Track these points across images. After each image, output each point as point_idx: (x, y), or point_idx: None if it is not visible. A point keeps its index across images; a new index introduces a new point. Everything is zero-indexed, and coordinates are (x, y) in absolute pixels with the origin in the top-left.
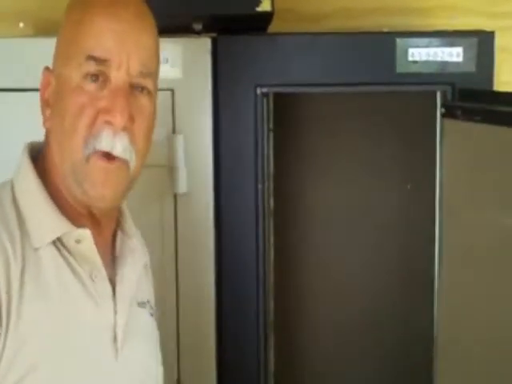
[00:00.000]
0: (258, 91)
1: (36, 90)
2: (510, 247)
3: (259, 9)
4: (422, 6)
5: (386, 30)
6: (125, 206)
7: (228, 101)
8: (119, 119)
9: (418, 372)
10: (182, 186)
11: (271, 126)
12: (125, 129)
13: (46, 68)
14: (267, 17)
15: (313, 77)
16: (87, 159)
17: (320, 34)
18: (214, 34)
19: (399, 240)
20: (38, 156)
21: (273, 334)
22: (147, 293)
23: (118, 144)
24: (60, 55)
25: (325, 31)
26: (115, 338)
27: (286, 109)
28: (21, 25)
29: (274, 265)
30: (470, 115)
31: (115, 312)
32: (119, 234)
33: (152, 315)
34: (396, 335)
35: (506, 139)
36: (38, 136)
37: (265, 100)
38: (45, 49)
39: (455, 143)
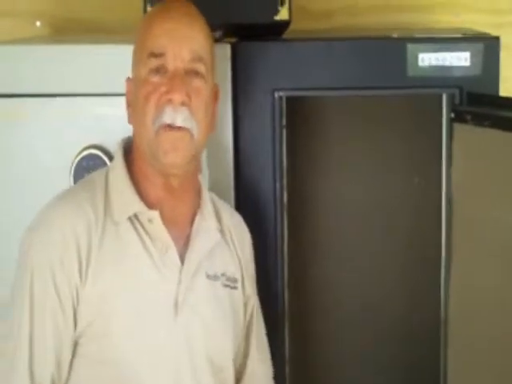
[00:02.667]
0: (276, 95)
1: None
2: None
3: (277, 17)
4: (426, 4)
5: (396, 35)
6: (205, 192)
7: (246, 104)
8: (177, 96)
9: (428, 359)
10: (205, 184)
11: (284, 123)
12: (183, 104)
13: (128, 78)
14: (285, 25)
15: (327, 81)
16: (156, 133)
17: (333, 40)
18: (233, 40)
19: (409, 229)
20: (130, 148)
21: (287, 323)
22: (222, 267)
23: (178, 116)
24: (134, 62)
25: (332, 28)
26: (176, 303)
27: (300, 110)
28: (37, 24)
29: (289, 258)
30: (479, 120)
31: (179, 281)
32: (198, 216)
33: (228, 286)
34: (407, 323)
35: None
36: (67, 139)
37: (281, 103)
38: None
39: (464, 147)
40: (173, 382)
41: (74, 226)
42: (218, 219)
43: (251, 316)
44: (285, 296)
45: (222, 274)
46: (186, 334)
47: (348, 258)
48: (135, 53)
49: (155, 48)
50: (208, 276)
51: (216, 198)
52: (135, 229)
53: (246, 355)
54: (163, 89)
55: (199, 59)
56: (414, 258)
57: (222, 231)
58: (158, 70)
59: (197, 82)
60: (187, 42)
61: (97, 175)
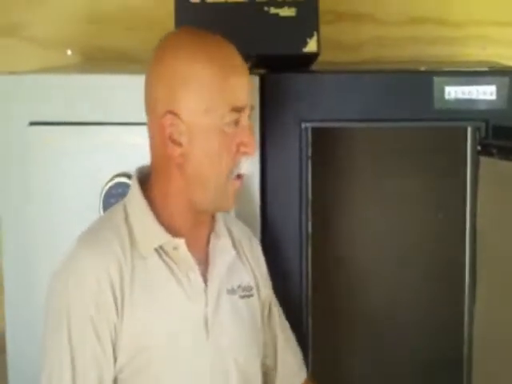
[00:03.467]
0: (303, 126)
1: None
2: None
3: (306, 50)
4: (453, 36)
5: (423, 68)
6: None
7: (274, 134)
8: (253, 149)
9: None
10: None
11: (310, 154)
12: None
13: (170, 111)
14: (313, 56)
15: (354, 113)
16: (229, 181)
17: (361, 73)
18: (262, 72)
19: (433, 262)
20: (145, 180)
21: (311, 333)
22: (238, 280)
23: (249, 167)
24: (192, 101)
25: (360, 60)
26: (206, 324)
27: (327, 141)
28: (68, 52)
29: (313, 288)
30: (505, 153)
31: (206, 303)
32: (212, 236)
33: (245, 296)
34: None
35: None
36: (99, 166)
37: (307, 134)
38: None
39: (489, 180)
40: None
41: (106, 269)
42: (229, 233)
43: (269, 310)
44: (309, 325)
45: (238, 286)
46: (217, 352)
47: (372, 288)
48: (204, 96)
49: (237, 102)
50: (227, 291)
51: (222, 214)
52: (161, 258)
53: (274, 349)
54: (238, 140)
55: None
56: (438, 290)
57: (234, 244)
58: (236, 123)
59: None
60: (250, 94)
61: (115, 211)
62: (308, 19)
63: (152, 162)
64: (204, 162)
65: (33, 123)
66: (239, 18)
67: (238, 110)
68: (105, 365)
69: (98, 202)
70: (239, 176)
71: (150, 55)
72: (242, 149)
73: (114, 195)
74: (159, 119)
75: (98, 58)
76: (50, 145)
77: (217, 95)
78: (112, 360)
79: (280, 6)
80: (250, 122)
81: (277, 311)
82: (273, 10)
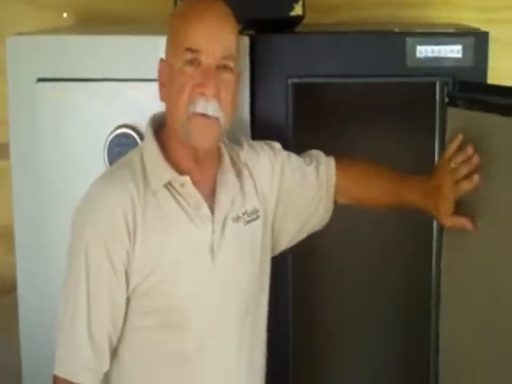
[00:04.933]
0: (289, 81)
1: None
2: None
3: (292, 13)
4: (424, 1)
5: (397, 29)
6: (224, 149)
7: (263, 89)
8: (209, 90)
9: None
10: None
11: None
12: (214, 96)
13: (161, 59)
14: (299, 19)
15: (334, 70)
16: (188, 119)
17: (341, 34)
18: (251, 33)
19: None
20: (160, 124)
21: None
22: (243, 207)
23: (209, 107)
24: (169, 49)
25: (337, 22)
26: (212, 249)
27: (310, 97)
28: (64, 15)
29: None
30: (469, 104)
31: (213, 231)
32: (219, 172)
33: (250, 221)
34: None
35: (499, 126)
36: (103, 119)
37: (293, 88)
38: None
39: (456, 128)
40: (216, 320)
41: (120, 202)
42: (234, 162)
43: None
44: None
45: (244, 213)
46: (223, 273)
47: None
48: (171, 41)
49: (192, 44)
50: (233, 219)
51: (231, 145)
52: (171, 194)
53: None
54: (196, 81)
55: (229, 56)
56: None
57: (239, 175)
58: (192, 63)
59: (226, 76)
60: (220, 41)
61: (132, 154)
62: None
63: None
64: (170, 98)
65: (40, 79)
66: None
67: (192, 51)
68: (117, 286)
69: (102, 151)
70: (200, 114)
71: (139, 16)
72: (197, 88)
73: (117, 144)
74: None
75: (92, 20)
76: (57, 99)
77: (176, 38)
78: (124, 282)
79: None
80: (212, 67)
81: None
82: None
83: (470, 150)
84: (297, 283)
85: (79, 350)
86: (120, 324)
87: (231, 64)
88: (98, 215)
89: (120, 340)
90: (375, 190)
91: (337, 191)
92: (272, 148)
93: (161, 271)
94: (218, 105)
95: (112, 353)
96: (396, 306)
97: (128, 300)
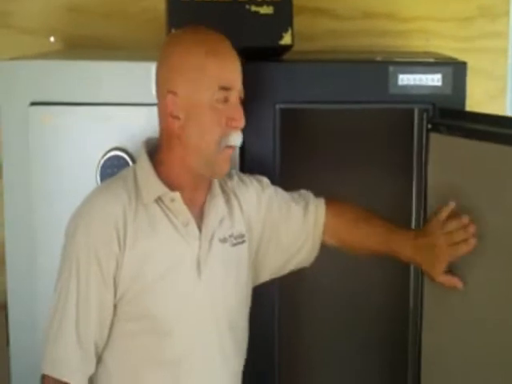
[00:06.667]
0: (277, 107)
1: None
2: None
3: (281, 42)
4: (401, 29)
5: (379, 58)
6: None
7: (253, 114)
8: (241, 123)
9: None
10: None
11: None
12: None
13: (170, 92)
14: (287, 48)
15: (320, 97)
16: (220, 151)
17: (326, 62)
18: (241, 60)
19: None
20: (153, 148)
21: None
22: (230, 230)
23: (240, 140)
24: (188, 84)
25: (317, 50)
26: (199, 263)
27: (296, 121)
28: (51, 39)
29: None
30: (451, 131)
31: (200, 247)
32: (209, 195)
33: (237, 244)
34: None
35: (479, 151)
36: (95, 142)
37: (280, 114)
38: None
39: (438, 152)
40: (197, 331)
41: (111, 209)
42: (223, 189)
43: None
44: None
45: (230, 235)
46: (207, 289)
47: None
48: (190, 77)
49: (227, 83)
50: (220, 240)
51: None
52: (161, 208)
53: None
54: (227, 115)
55: (243, 89)
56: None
57: (227, 201)
58: (224, 100)
59: (242, 107)
60: (240, 75)
61: (126, 171)
62: (284, 16)
63: (159, 134)
64: (197, 133)
65: (33, 103)
66: (224, 15)
67: (225, 88)
68: (105, 291)
69: (94, 173)
70: (230, 146)
71: (125, 42)
72: (231, 123)
73: (109, 166)
74: (163, 99)
75: (78, 45)
76: (49, 122)
77: (203, 75)
78: (112, 288)
79: (259, 4)
80: (238, 102)
81: (281, 195)
82: (253, 8)
83: (465, 219)
84: (282, 300)
85: (67, 349)
86: (107, 328)
87: (243, 95)
88: (90, 222)
89: (106, 345)
90: (364, 235)
91: (325, 232)
92: (260, 182)
93: (146, 280)
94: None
95: (98, 357)
96: (380, 323)
97: (115, 306)
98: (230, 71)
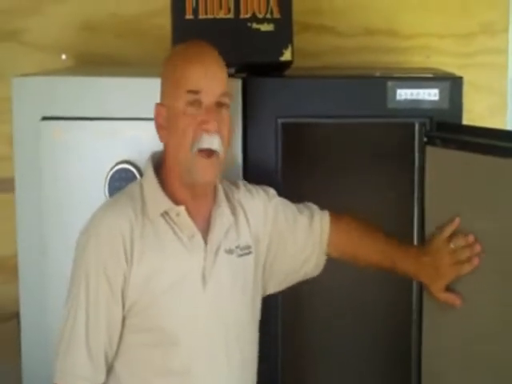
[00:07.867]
0: (279, 121)
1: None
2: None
3: (282, 58)
4: (402, 46)
5: (378, 74)
6: (219, 186)
7: (254, 128)
8: (212, 126)
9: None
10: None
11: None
12: (216, 132)
13: (158, 103)
14: (288, 64)
15: (321, 111)
16: (194, 157)
17: (327, 78)
18: (244, 76)
19: None
20: (159, 161)
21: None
22: (236, 241)
23: (214, 142)
24: (166, 93)
25: (321, 66)
26: (204, 276)
27: (298, 135)
28: (63, 57)
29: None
30: (446, 144)
31: (205, 258)
32: (214, 206)
33: (243, 255)
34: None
35: (474, 163)
36: (104, 155)
37: (282, 128)
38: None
39: (434, 165)
40: (204, 342)
41: (119, 226)
42: (229, 199)
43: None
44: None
45: (237, 247)
46: (213, 301)
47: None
48: (168, 85)
49: (193, 86)
50: (225, 251)
51: (227, 183)
52: (167, 222)
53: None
54: (199, 119)
55: (225, 93)
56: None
57: (233, 211)
58: (193, 103)
59: (223, 112)
60: (217, 79)
61: (133, 186)
62: (284, 33)
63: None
64: (175, 140)
65: (44, 118)
66: (226, 32)
67: (193, 92)
68: (113, 304)
69: (103, 186)
70: (202, 150)
71: (136, 60)
72: (202, 126)
73: (117, 179)
74: (154, 111)
75: (90, 62)
76: (60, 136)
77: (174, 82)
78: (120, 301)
79: (261, 22)
80: (213, 105)
81: (288, 207)
82: (255, 26)
83: (471, 238)
84: (285, 307)
85: (77, 359)
86: (116, 339)
87: (227, 101)
88: (98, 237)
89: (116, 355)
90: (368, 250)
91: (330, 244)
92: (267, 193)
93: (154, 294)
94: (219, 139)
95: (109, 368)
96: (384, 323)
97: (123, 318)
98: (197, 74)
